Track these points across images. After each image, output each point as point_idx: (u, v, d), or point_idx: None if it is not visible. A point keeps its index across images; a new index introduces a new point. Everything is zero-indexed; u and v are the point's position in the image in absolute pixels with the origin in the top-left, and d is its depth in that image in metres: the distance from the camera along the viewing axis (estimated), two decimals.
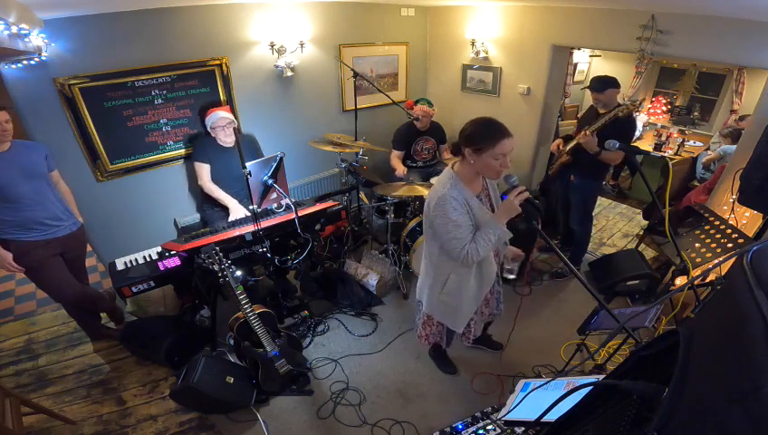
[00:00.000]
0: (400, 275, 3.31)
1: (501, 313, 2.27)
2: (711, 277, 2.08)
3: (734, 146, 4.26)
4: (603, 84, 2.75)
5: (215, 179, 2.96)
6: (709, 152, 4.43)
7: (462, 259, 1.67)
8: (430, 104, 3.72)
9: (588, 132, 2.70)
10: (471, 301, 1.95)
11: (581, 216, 3.22)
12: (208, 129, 2.92)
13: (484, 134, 1.60)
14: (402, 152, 3.83)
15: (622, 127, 2.67)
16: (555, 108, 4.05)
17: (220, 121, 2.85)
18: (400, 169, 3.68)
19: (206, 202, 3.05)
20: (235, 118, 3.27)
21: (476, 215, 1.70)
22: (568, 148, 3.03)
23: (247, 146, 3.09)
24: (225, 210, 2.96)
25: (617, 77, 2.82)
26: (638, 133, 5.68)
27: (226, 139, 2.90)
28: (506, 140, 1.58)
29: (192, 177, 3.11)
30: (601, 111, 2.83)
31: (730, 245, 2.01)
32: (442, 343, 2.27)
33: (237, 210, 2.90)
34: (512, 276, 2.08)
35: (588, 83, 2.90)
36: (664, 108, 6.05)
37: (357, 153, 3.34)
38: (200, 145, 2.99)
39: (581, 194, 3.13)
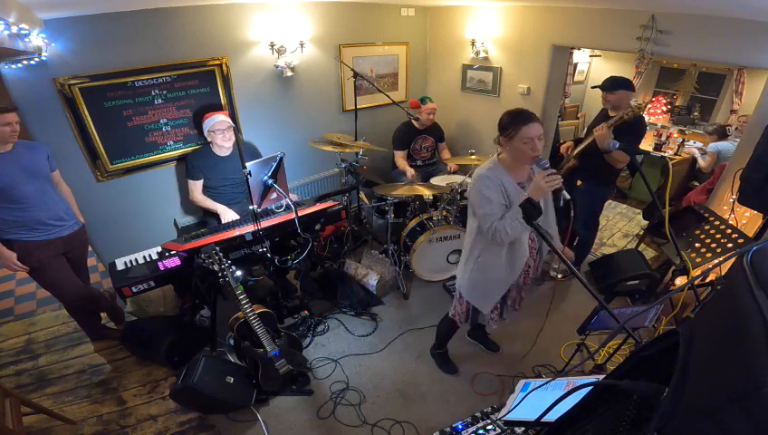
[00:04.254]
0: (400, 275, 3.31)
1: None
2: (711, 277, 2.08)
3: (726, 142, 4.25)
4: (615, 84, 2.67)
5: (211, 187, 2.95)
6: (705, 156, 4.37)
7: (491, 235, 1.78)
8: (431, 100, 3.76)
9: (606, 126, 2.57)
10: (500, 282, 2.00)
11: (586, 220, 3.15)
12: (205, 133, 2.87)
13: (512, 121, 1.74)
14: (405, 152, 3.83)
15: (631, 128, 2.59)
16: (555, 108, 4.04)
17: (219, 125, 2.79)
18: (410, 172, 3.64)
19: None
20: (235, 118, 3.27)
21: (511, 197, 1.81)
22: (575, 152, 2.96)
23: (248, 153, 2.98)
24: None
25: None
26: None
27: (225, 143, 2.84)
28: (531, 125, 1.69)
29: None
30: (611, 114, 2.72)
31: (730, 245, 2.00)
32: (462, 320, 2.26)
33: (226, 214, 2.87)
34: (559, 275, 2.08)
35: (590, 83, 2.87)
36: (664, 108, 6.05)
37: (357, 153, 3.34)
38: (190, 161, 2.91)
39: (586, 199, 3.06)
